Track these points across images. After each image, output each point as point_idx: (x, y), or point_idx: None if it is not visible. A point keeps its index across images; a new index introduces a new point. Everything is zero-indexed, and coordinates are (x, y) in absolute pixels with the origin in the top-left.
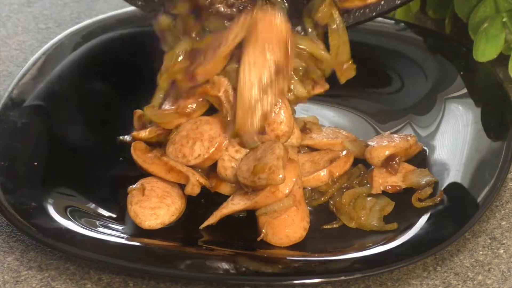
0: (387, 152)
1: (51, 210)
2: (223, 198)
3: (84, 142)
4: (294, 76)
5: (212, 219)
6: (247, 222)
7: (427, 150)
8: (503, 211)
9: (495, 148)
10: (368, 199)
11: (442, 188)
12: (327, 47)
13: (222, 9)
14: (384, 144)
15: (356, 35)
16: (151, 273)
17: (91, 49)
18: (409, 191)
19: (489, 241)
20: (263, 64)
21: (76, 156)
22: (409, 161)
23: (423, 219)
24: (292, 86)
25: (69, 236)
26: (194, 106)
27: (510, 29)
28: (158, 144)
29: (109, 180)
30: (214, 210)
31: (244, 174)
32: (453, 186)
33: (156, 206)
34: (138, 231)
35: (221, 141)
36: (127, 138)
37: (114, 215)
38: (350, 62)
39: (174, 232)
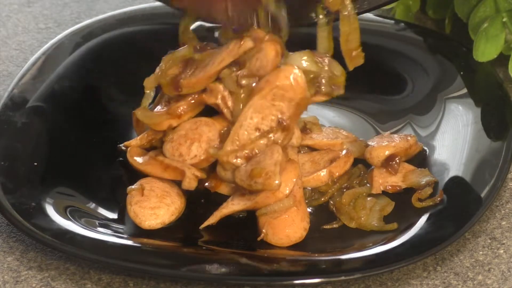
0: (387, 152)
1: (51, 210)
2: (223, 198)
3: (84, 142)
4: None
5: (212, 219)
6: (247, 222)
7: (427, 150)
8: (503, 211)
9: (495, 148)
10: (368, 199)
11: (442, 188)
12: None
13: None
14: (384, 144)
15: None
16: (151, 273)
17: (91, 49)
18: (409, 191)
19: (489, 241)
20: (270, 112)
21: (76, 156)
22: (409, 161)
23: (423, 219)
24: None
25: (69, 236)
26: (185, 107)
27: (510, 29)
28: (153, 149)
29: (109, 180)
30: (214, 210)
31: (241, 177)
32: (453, 186)
33: (155, 206)
34: (138, 231)
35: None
36: (123, 147)
37: (114, 215)
38: (359, 49)
39: (174, 232)
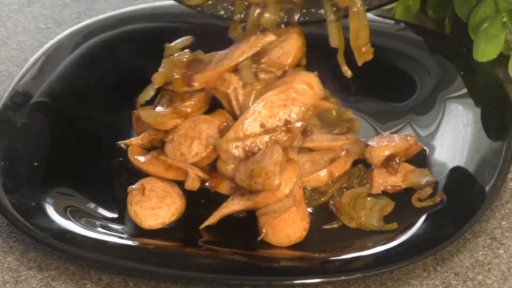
0: (387, 152)
1: (51, 210)
2: (223, 198)
3: (84, 142)
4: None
5: (212, 219)
6: (247, 222)
7: (427, 150)
8: (503, 211)
9: (495, 148)
10: (368, 199)
11: (442, 188)
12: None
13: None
14: (384, 144)
15: None
16: (151, 273)
17: (91, 49)
18: (409, 191)
19: (489, 241)
20: (278, 111)
21: (76, 156)
22: (409, 161)
23: (423, 219)
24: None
25: (69, 236)
26: (192, 105)
27: (510, 29)
28: (153, 149)
29: (109, 180)
30: (214, 210)
31: (241, 176)
32: (453, 186)
33: (156, 206)
34: (138, 231)
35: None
36: (122, 145)
37: (114, 215)
38: (369, 45)
39: (174, 232)
